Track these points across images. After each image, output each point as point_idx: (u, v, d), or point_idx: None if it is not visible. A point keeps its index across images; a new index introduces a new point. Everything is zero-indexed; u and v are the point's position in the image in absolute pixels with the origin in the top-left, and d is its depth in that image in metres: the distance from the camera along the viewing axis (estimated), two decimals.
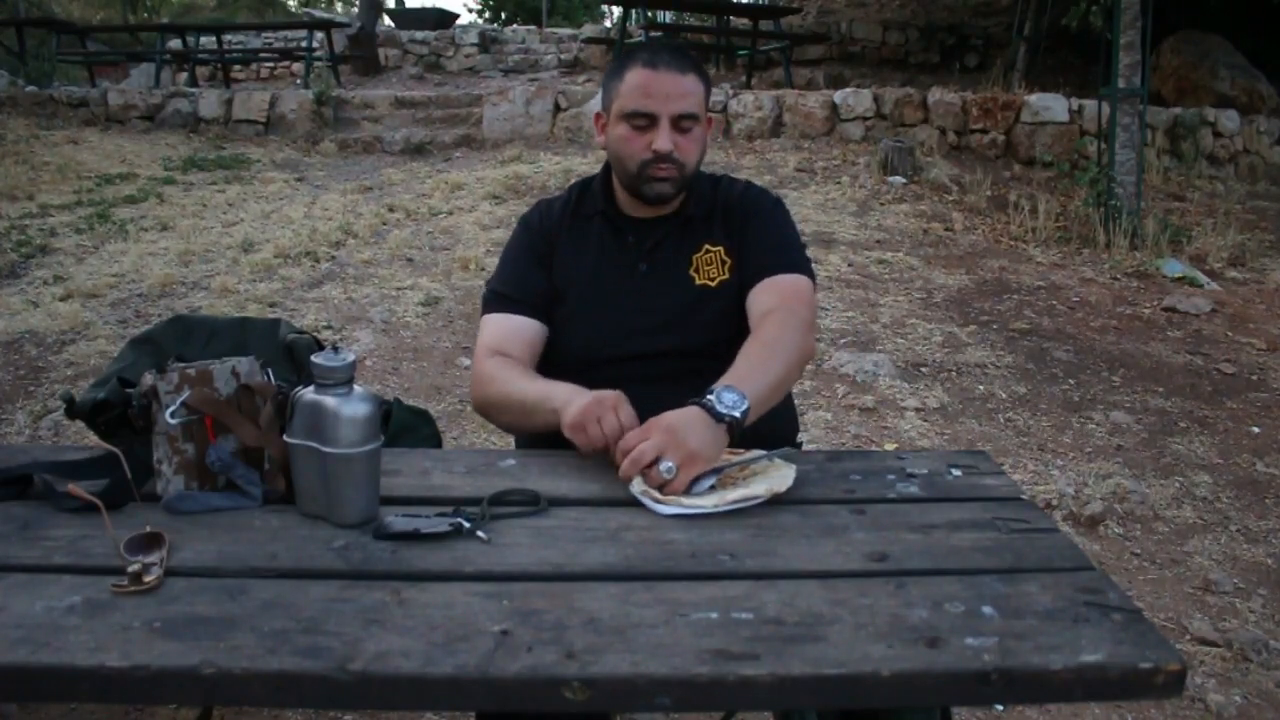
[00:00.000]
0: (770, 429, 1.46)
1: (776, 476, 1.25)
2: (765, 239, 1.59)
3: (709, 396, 1.26)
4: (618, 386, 1.35)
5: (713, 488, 1.23)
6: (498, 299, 1.62)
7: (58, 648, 0.87)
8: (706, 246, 1.58)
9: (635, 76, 1.50)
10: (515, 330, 1.57)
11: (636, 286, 1.57)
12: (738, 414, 1.26)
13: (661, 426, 1.22)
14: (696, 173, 1.59)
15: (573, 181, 1.73)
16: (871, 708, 1.04)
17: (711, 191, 1.64)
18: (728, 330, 1.52)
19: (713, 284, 1.57)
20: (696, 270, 1.57)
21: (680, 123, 1.50)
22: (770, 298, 1.51)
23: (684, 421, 1.23)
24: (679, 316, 1.54)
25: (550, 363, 1.58)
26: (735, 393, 1.27)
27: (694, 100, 1.51)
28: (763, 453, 1.31)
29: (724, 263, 1.58)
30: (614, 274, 1.59)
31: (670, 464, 1.19)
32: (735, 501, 1.19)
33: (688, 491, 1.21)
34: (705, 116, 1.55)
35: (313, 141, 8.31)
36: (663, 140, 1.49)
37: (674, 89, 1.49)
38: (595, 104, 7.72)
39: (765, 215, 1.62)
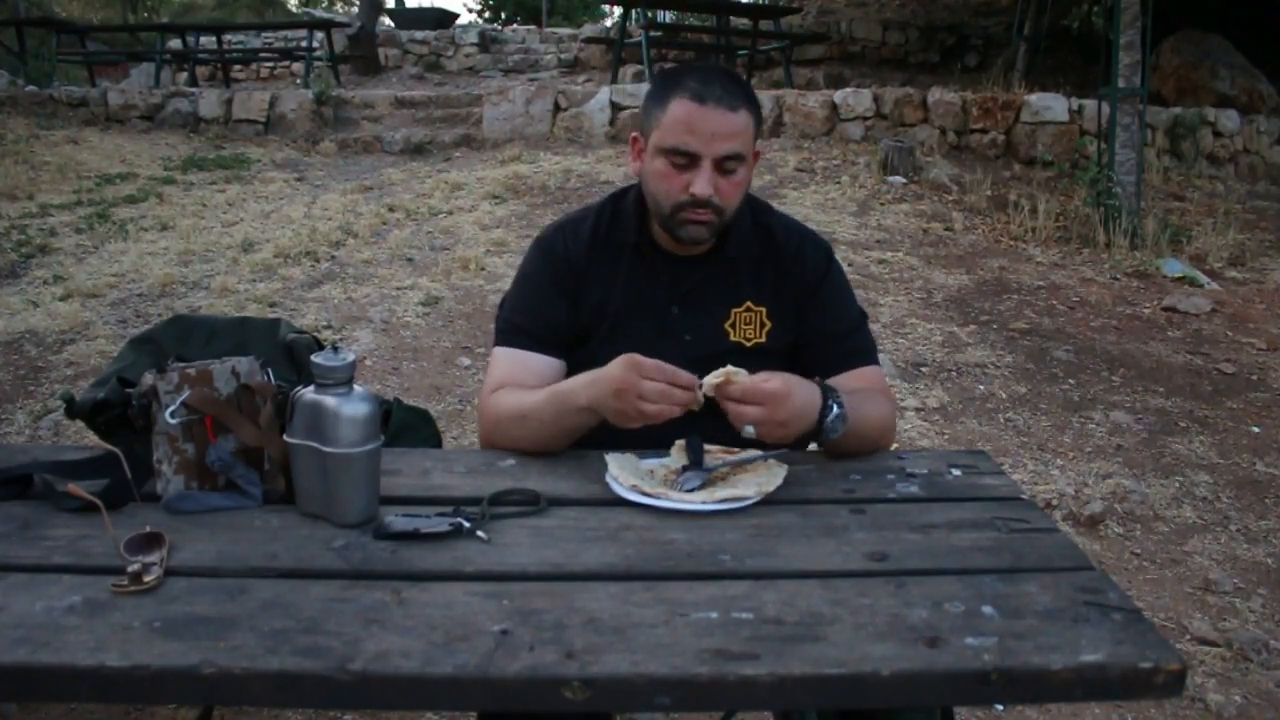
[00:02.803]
0: None
1: (766, 476, 1.25)
2: (835, 322, 1.51)
3: (830, 415, 1.30)
4: (645, 426, 1.29)
5: (703, 486, 1.23)
6: (514, 332, 1.49)
7: (58, 648, 0.87)
8: (749, 304, 1.49)
9: (680, 108, 1.36)
10: (529, 367, 1.46)
11: (666, 330, 1.47)
12: (834, 437, 1.32)
13: (783, 411, 1.24)
14: (737, 215, 1.45)
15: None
16: (871, 708, 1.05)
17: (753, 228, 1.51)
18: None
19: (747, 344, 1.48)
20: (733, 325, 1.48)
21: (724, 164, 1.37)
22: (857, 384, 1.46)
23: (798, 417, 1.26)
24: (707, 367, 1.42)
25: None
26: (844, 426, 1.31)
27: (741, 140, 1.37)
28: (758, 452, 1.32)
29: (763, 325, 1.49)
30: (643, 313, 1.48)
31: (753, 431, 1.24)
32: (723, 500, 1.19)
33: (677, 488, 1.22)
34: (752, 152, 1.41)
35: (313, 141, 8.31)
36: (702, 184, 1.36)
37: (721, 127, 1.35)
38: (595, 104, 7.72)
39: (826, 288, 1.52)
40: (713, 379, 1.25)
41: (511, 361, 1.48)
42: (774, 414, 1.23)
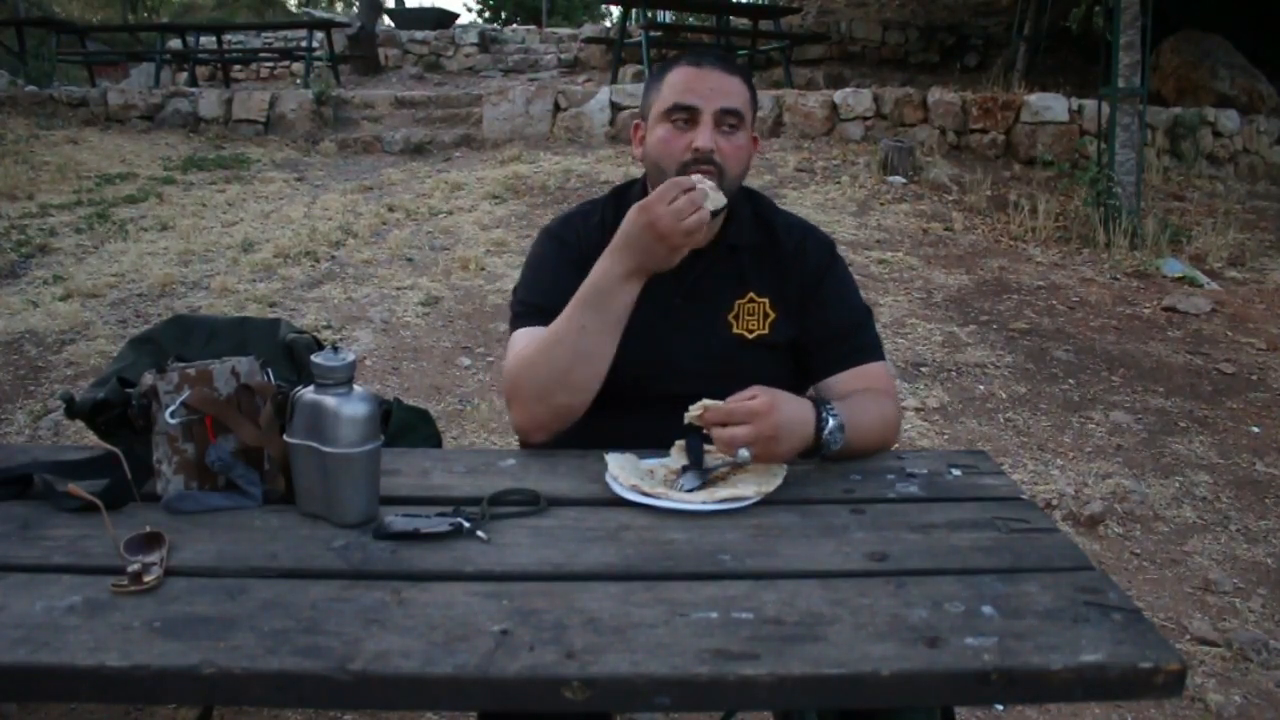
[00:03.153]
0: None
1: (765, 476, 1.25)
2: (838, 319, 1.50)
3: (827, 428, 1.28)
4: (646, 423, 1.31)
5: (702, 486, 1.23)
6: (530, 311, 1.46)
7: (58, 648, 0.87)
8: (752, 295, 1.48)
9: (678, 75, 1.42)
10: None
11: (671, 322, 1.46)
12: (835, 449, 1.30)
13: (769, 424, 1.22)
14: (739, 188, 1.46)
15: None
16: (871, 708, 1.04)
17: (754, 219, 1.52)
18: (761, 380, 1.42)
19: (749, 336, 1.48)
20: (736, 317, 1.48)
21: (724, 120, 1.39)
22: (859, 383, 1.44)
23: (788, 431, 1.24)
24: (710, 364, 1.44)
25: None
26: (843, 436, 1.30)
27: (739, 99, 1.41)
28: None
29: (766, 316, 1.48)
30: (648, 304, 1.43)
31: (747, 454, 1.21)
32: (723, 500, 1.19)
33: (677, 488, 1.22)
34: (751, 130, 1.45)
35: (312, 141, 8.31)
36: (704, 137, 1.37)
37: (718, 85, 1.40)
38: (595, 104, 7.72)
39: (828, 283, 1.51)
40: (694, 411, 1.24)
41: (529, 338, 1.43)
42: (761, 429, 1.21)
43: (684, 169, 1.38)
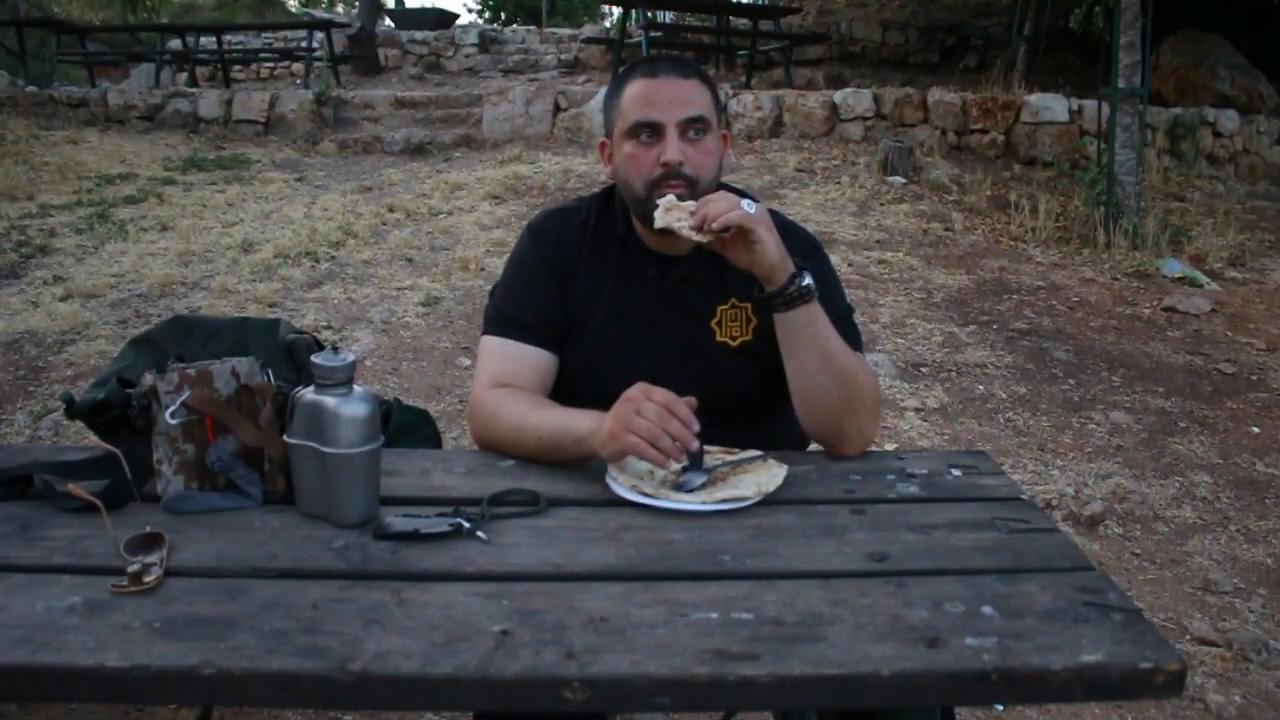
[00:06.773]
0: (779, 433, 1.44)
1: (766, 476, 1.25)
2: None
3: (805, 277, 1.31)
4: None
5: (703, 486, 1.23)
6: (505, 322, 1.46)
7: (58, 648, 0.87)
8: (734, 300, 1.45)
9: (634, 88, 1.39)
10: (523, 361, 1.43)
11: (654, 329, 1.45)
12: (805, 281, 1.31)
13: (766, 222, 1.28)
14: (715, 189, 1.41)
15: (581, 191, 1.61)
16: (871, 708, 1.04)
17: None
18: (747, 388, 1.44)
19: (733, 344, 1.45)
20: (719, 324, 1.45)
21: (689, 129, 1.37)
22: None
23: (775, 236, 1.29)
24: (695, 373, 1.40)
25: (558, 400, 1.43)
26: (814, 292, 1.32)
27: (701, 105, 1.38)
28: (757, 452, 1.31)
29: (749, 322, 1.46)
30: (631, 312, 1.45)
31: (752, 207, 1.27)
32: (723, 501, 1.19)
33: (679, 489, 1.22)
34: (719, 129, 1.42)
35: (313, 142, 8.32)
36: (671, 150, 1.34)
37: (677, 94, 1.37)
38: (595, 104, 7.71)
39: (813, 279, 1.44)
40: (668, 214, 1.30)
41: (502, 354, 1.45)
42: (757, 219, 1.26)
43: (654, 186, 1.36)
